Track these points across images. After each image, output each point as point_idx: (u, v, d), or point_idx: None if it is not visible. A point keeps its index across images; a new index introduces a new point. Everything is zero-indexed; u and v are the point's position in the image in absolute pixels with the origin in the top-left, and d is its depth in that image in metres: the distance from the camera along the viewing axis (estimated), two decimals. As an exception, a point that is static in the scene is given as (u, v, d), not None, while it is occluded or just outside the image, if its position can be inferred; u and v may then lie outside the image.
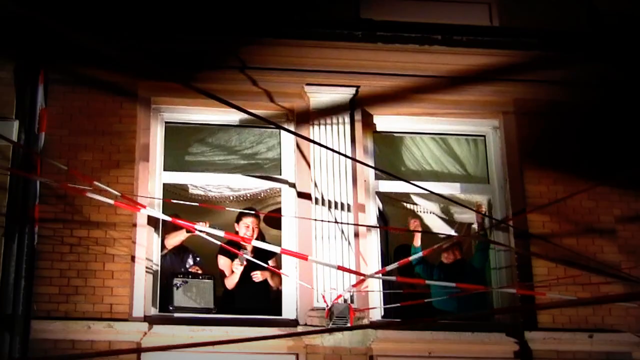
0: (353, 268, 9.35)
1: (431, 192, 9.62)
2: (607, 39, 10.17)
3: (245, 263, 9.49)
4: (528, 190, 9.92)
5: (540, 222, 9.78)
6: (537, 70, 10.08)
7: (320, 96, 9.95)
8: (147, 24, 9.74)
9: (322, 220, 9.53)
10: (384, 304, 9.61)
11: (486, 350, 9.35)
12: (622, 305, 9.40)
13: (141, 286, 9.22)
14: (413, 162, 10.44)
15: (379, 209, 10.10)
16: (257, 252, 9.55)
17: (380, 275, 9.40)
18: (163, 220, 9.42)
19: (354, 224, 9.56)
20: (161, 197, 9.68)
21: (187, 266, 9.90)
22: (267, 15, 10.01)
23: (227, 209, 10.18)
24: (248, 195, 10.68)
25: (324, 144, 9.47)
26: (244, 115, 9.57)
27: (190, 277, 9.55)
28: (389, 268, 9.18)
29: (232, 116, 9.97)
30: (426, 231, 10.06)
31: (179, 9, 9.82)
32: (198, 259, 10.03)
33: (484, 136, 10.39)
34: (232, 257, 9.60)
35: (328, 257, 9.42)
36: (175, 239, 9.80)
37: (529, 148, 10.06)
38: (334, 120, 9.91)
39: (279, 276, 9.73)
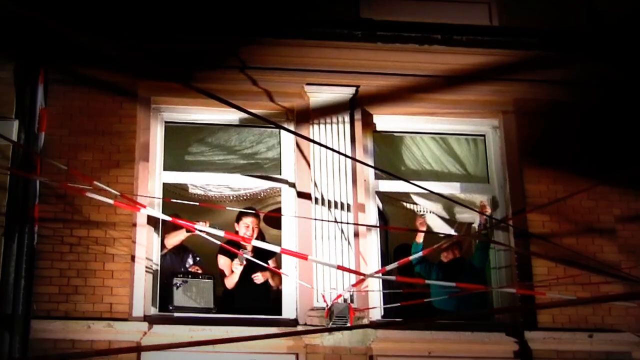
0: (353, 268, 9.35)
1: (431, 191, 9.63)
2: (607, 38, 10.16)
3: (244, 263, 9.49)
4: (528, 189, 9.92)
5: (540, 221, 9.78)
6: (536, 69, 10.08)
7: (320, 96, 9.95)
8: (147, 24, 9.74)
9: (322, 220, 9.53)
10: (384, 304, 9.61)
11: (486, 350, 9.35)
12: (622, 305, 9.40)
13: (141, 286, 9.22)
14: (413, 162, 10.45)
15: (378, 208, 10.11)
16: (257, 251, 9.55)
17: (380, 275, 9.41)
18: (163, 220, 9.42)
19: (354, 224, 9.56)
20: (161, 197, 9.68)
21: (187, 266, 9.90)
22: (267, 15, 10.01)
23: (227, 208, 10.19)
24: (248, 194, 10.70)
25: (324, 144, 9.48)
26: (244, 115, 9.58)
27: (190, 276, 9.55)
28: (388, 268, 9.17)
29: (232, 116, 9.97)
30: (426, 231, 10.04)
31: (179, 9, 9.82)
32: (198, 258, 10.03)
33: (484, 136, 10.39)
34: (232, 256, 9.61)
35: (328, 256, 9.43)
36: (175, 239, 9.80)
37: (528, 148, 10.06)
38: (334, 120, 9.91)
39: (279, 276, 9.73)
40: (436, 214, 10.80)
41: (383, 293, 9.67)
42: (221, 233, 9.06)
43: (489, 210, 9.89)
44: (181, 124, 10.09)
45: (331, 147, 9.54)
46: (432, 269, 10.16)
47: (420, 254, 9.56)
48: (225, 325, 9.07)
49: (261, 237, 9.95)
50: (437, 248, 9.76)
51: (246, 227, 9.72)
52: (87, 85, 9.66)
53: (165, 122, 9.99)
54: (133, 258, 9.25)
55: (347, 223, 9.54)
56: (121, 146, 9.57)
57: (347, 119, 9.93)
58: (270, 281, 9.78)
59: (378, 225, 9.94)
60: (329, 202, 9.63)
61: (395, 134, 10.43)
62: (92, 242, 9.19)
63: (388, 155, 10.39)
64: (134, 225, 9.33)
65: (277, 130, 10.03)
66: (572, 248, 9.57)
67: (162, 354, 8.57)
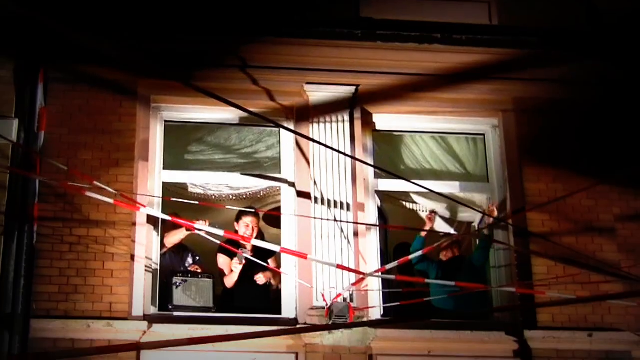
0: (352, 267, 9.35)
1: (431, 190, 9.64)
2: (607, 37, 10.17)
3: (244, 262, 9.49)
4: (527, 188, 9.92)
5: (540, 220, 9.78)
6: (536, 68, 10.08)
7: (320, 95, 9.95)
8: (147, 24, 9.73)
9: (321, 219, 9.54)
10: (384, 303, 9.61)
11: (486, 349, 9.35)
12: (621, 304, 9.40)
13: (141, 285, 9.23)
14: (412, 161, 10.45)
15: (378, 207, 10.11)
16: (256, 251, 9.55)
17: (379, 274, 9.41)
18: (163, 219, 9.42)
19: (354, 223, 9.57)
20: (161, 196, 9.68)
21: (187, 265, 9.90)
22: (267, 14, 10.02)
23: (226, 207, 10.19)
24: (248, 194, 10.69)
25: (324, 143, 9.48)
26: (244, 114, 9.57)
27: (189, 276, 9.55)
28: (388, 267, 9.18)
29: (232, 115, 9.96)
30: (426, 230, 10.03)
31: (179, 8, 9.82)
32: (197, 257, 10.03)
33: (484, 135, 10.39)
34: (231, 256, 9.60)
35: (327, 255, 9.43)
36: (174, 238, 9.79)
37: (528, 146, 10.06)
38: (334, 119, 9.91)
39: (279, 275, 9.73)
40: (436, 213, 10.78)
41: (383, 292, 9.67)
42: (221, 232, 9.06)
43: (495, 213, 9.80)
44: (181, 122, 10.09)
45: (331, 146, 9.53)
46: (432, 267, 10.14)
47: (420, 252, 9.55)
48: (225, 324, 9.06)
49: (261, 236, 9.95)
50: (437, 247, 9.76)
51: (246, 226, 9.72)
52: (87, 84, 9.67)
53: (165, 120, 9.98)
54: (133, 257, 9.25)
55: (347, 222, 9.54)
56: (121, 145, 9.57)
57: (346, 118, 9.93)
58: (270, 280, 9.78)
59: (378, 224, 9.95)
60: (329, 201, 9.64)
61: (394, 133, 10.43)
62: (91, 241, 9.19)
63: (388, 154, 10.39)
64: (134, 224, 9.34)
65: (277, 129, 10.03)
66: (571, 247, 9.58)
67: (161, 353, 8.55)
